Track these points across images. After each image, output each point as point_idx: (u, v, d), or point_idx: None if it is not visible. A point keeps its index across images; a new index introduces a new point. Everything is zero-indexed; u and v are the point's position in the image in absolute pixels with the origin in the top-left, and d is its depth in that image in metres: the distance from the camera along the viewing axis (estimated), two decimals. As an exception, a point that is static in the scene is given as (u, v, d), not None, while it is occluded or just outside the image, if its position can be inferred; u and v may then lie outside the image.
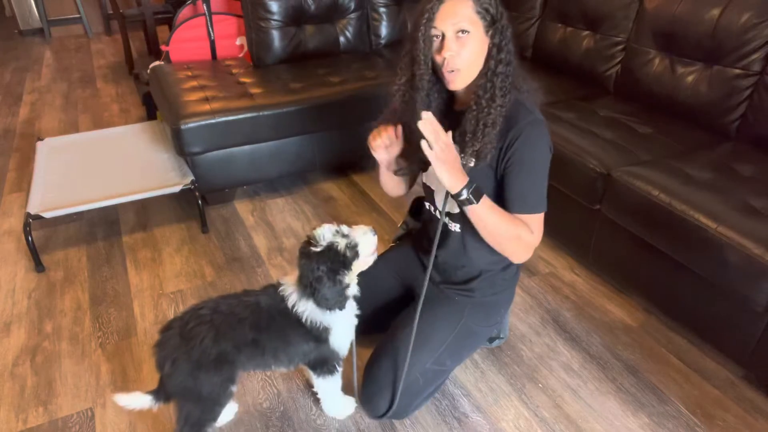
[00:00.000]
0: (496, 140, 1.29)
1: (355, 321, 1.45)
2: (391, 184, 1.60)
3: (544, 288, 2.05)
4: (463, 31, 1.24)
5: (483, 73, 1.29)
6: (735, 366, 1.71)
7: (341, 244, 1.29)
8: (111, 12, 5.58)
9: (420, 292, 1.48)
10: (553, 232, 2.26)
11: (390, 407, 1.46)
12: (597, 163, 1.91)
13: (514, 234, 1.31)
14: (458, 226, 1.46)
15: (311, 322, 1.33)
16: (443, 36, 1.25)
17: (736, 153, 1.93)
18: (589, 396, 1.62)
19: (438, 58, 1.28)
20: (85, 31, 5.78)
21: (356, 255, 1.32)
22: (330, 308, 1.32)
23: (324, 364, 1.42)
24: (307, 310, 1.33)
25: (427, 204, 1.57)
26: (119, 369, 1.72)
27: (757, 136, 1.97)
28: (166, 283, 2.09)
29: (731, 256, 1.51)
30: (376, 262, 1.76)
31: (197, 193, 2.32)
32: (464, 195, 1.25)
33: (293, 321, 1.33)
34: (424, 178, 1.53)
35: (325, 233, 1.29)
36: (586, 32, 2.59)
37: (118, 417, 1.56)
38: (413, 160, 1.46)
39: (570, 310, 1.94)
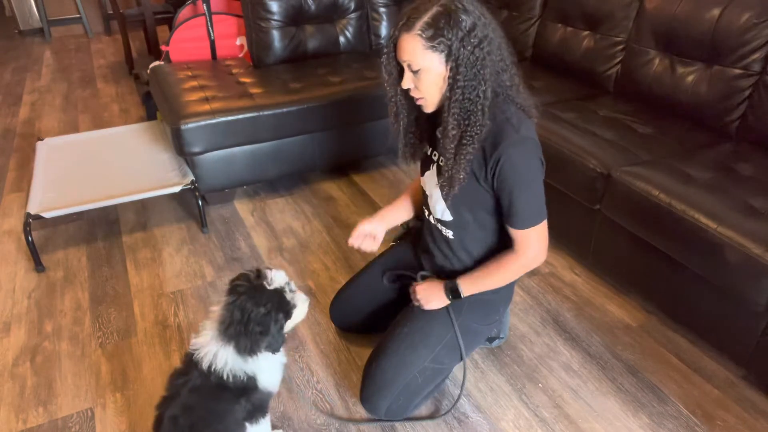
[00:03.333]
0: (483, 157, 1.29)
1: (284, 360, 1.33)
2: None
3: (544, 288, 2.05)
4: (415, 71, 1.25)
5: (445, 98, 1.26)
6: (735, 366, 1.71)
7: (288, 295, 1.22)
8: (111, 12, 5.58)
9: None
10: (553, 232, 2.24)
11: (389, 407, 1.46)
12: (597, 163, 1.91)
13: (509, 276, 1.43)
14: (451, 233, 1.47)
15: (233, 377, 1.18)
16: (407, 66, 1.26)
17: (736, 153, 1.93)
18: (589, 396, 1.62)
19: (403, 86, 1.30)
20: (85, 31, 5.78)
21: (290, 316, 1.24)
22: (269, 349, 1.21)
23: (260, 409, 1.28)
24: (227, 363, 1.18)
25: (423, 207, 1.58)
26: (119, 369, 1.72)
27: (757, 136, 1.97)
28: (166, 283, 2.09)
29: (731, 256, 1.51)
30: (376, 262, 1.77)
31: (197, 193, 2.33)
32: (451, 300, 1.47)
33: (213, 388, 1.18)
34: (421, 180, 1.54)
35: (277, 278, 1.21)
36: (586, 32, 2.59)
37: (118, 417, 1.56)
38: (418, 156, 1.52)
39: (570, 310, 1.94)
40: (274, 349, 1.23)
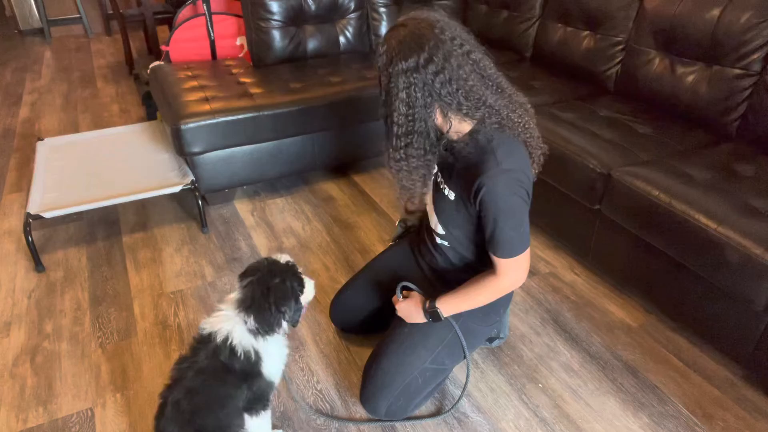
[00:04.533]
0: (468, 182, 1.29)
1: (287, 351, 1.37)
2: None
3: (544, 288, 2.05)
4: None
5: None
6: (735, 366, 1.71)
7: (299, 273, 1.32)
8: (111, 12, 5.58)
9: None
10: (553, 232, 2.26)
11: (389, 407, 1.46)
12: (597, 163, 1.91)
13: (487, 298, 1.41)
14: (446, 242, 1.49)
15: (244, 353, 1.24)
16: None
17: (736, 153, 1.93)
18: (589, 396, 1.62)
19: None
20: (85, 31, 5.78)
21: (302, 292, 1.32)
22: (292, 320, 1.30)
23: (260, 400, 1.31)
24: (241, 340, 1.24)
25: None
26: (119, 369, 1.72)
27: (757, 136, 1.97)
28: (166, 283, 2.09)
29: (731, 256, 1.51)
30: (375, 262, 1.77)
31: (197, 193, 2.33)
32: (429, 319, 1.46)
33: (218, 369, 1.23)
34: None
35: (284, 258, 1.32)
36: (586, 32, 2.59)
37: (118, 417, 1.56)
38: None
39: (570, 310, 1.94)
40: (294, 321, 1.30)
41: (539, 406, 1.59)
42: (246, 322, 1.25)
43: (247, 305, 1.25)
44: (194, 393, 1.22)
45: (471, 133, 1.28)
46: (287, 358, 1.37)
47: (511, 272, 1.35)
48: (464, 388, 1.59)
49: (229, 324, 1.25)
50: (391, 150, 1.30)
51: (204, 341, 1.26)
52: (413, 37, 1.18)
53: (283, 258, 1.32)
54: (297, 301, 1.30)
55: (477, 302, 1.42)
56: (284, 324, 1.30)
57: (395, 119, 1.24)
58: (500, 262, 1.33)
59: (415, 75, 1.18)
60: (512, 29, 2.96)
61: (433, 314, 1.44)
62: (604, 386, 1.65)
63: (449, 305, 1.43)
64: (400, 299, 1.52)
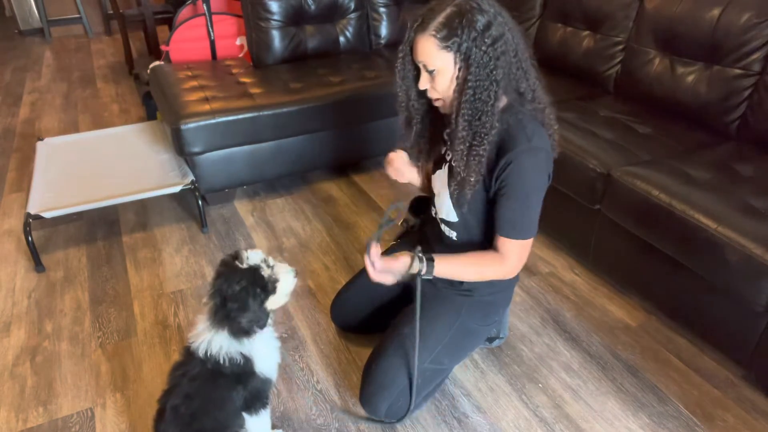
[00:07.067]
0: (492, 160, 1.28)
1: (278, 343, 1.34)
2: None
3: (544, 288, 2.05)
4: (430, 71, 1.24)
5: (455, 98, 1.25)
6: (735, 366, 1.71)
7: (266, 271, 1.22)
8: (111, 12, 5.58)
9: (417, 295, 1.48)
10: (553, 232, 2.26)
11: (389, 408, 1.46)
12: (597, 163, 1.91)
13: (479, 275, 1.40)
14: (455, 234, 1.47)
15: (229, 360, 1.21)
16: (423, 67, 1.25)
17: (736, 153, 1.93)
18: (589, 396, 1.62)
19: (420, 87, 1.28)
20: (85, 31, 5.78)
21: (274, 290, 1.24)
22: (251, 325, 1.22)
23: (258, 398, 1.29)
24: (222, 347, 1.21)
25: (431, 204, 1.57)
26: (119, 369, 1.72)
27: (757, 136, 1.97)
28: (166, 283, 2.09)
29: (731, 256, 1.51)
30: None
31: (197, 193, 2.33)
32: (421, 261, 1.34)
33: (210, 375, 1.22)
34: (432, 178, 1.54)
35: (252, 256, 1.23)
36: (586, 32, 2.59)
37: (118, 417, 1.56)
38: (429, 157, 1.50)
39: (570, 310, 1.94)
40: (260, 325, 1.24)
41: (539, 406, 1.59)
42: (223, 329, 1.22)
43: (212, 315, 1.22)
44: (191, 398, 1.22)
45: (504, 109, 1.26)
46: (280, 353, 1.34)
47: (512, 257, 1.34)
48: (411, 402, 1.55)
49: (208, 333, 1.23)
50: (461, 135, 1.24)
51: (192, 350, 1.25)
52: (464, 9, 1.17)
53: (252, 257, 1.23)
54: (261, 304, 1.23)
55: (471, 274, 1.39)
56: (256, 328, 1.25)
57: (464, 99, 1.20)
58: (507, 245, 1.32)
59: (487, 34, 1.16)
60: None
61: (429, 259, 1.33)
62: (604, 386, 1.65)
63: (446, 263, 1.36)
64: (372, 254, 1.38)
